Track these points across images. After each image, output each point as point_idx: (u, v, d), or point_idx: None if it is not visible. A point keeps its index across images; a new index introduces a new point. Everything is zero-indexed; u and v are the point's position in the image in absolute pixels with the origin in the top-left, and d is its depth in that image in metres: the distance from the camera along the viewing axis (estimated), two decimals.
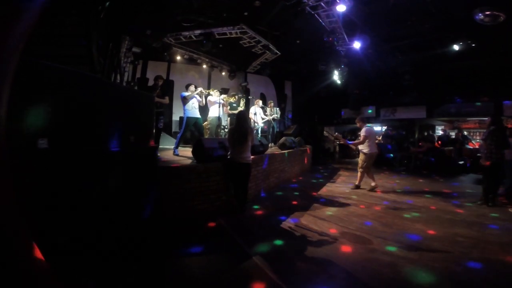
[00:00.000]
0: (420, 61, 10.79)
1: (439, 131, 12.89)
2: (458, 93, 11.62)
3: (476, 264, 2.55)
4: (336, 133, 6.24)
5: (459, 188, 6.33)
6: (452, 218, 4.00)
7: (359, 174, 5.98)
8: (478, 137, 11.51)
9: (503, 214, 4.14)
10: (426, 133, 12.43)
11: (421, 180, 7.37)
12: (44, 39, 3.27)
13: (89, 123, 2.42)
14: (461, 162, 8.92)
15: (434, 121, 13.08)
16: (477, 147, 9.46)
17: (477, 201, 4.80)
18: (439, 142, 10.18)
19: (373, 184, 5.82)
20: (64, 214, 2.16)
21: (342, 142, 6.32)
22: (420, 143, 10.29)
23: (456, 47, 9.07)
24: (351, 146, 6.36)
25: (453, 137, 10.26)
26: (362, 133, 5.76)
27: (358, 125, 6.10)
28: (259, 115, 8.52)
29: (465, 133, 11.27)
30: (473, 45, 8.97)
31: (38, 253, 1.45)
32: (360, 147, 5.87)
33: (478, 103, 11.20)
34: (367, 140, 5.69)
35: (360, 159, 5.91)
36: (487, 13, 6.30)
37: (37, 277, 1.41)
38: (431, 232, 3.41)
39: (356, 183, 6.03)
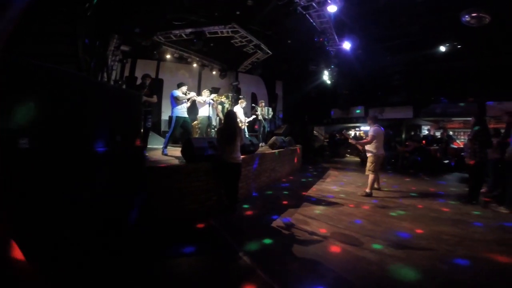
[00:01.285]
0: (408, 62, 11.05)
1: (425, 131, 13.23)
2: (443, 93, 11.95)
3: (462, 261, 2.63)
4: (343, 131, 6.09)
5: (444, 187, 6.50)
6: (438, 216, 4.11)
7: (369, 179, 5.41)
8: (462, 137, 11.86)
9: (486, 212, 4.28)
10: (412, 133, 12.71)
11: (407, 179, 7.53)
12: (28, 37, 3.16)
13: (73, 122, 2.35)
14: (446, 161, 9.17)
15: (420, 121, 13.40)
16: (461, 146, 9.74)
17: (462, 199, 4.94)
18: (424, 141, 10.42)
19: (375, 186, 5.60)
20: (48, 216, 2.09)
21: (350, 141, 6.21)
22: (407, 143, 10.51)
23: (442, 48, 9.33)
24: (359, 146, 6.15)
25: (439, 136, 10.53)
26: (370, 132, 5.48)
27: (368, 123, 5.79)
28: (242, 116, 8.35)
29: (450, 133, 11.59)
30: (459, 46, 9.24)
31: (18, 254, 1.40)
32: (367, 147, 5.52)
33: (463, 104, 11.54)
34: (375, 141, 5.37)
35: (368, 161, 5.48)
36: (474, 15, 6.49)
37: (17, 277, 1.36)
38: (417, 230, 3.49)
39: (367, 190, 5.38)
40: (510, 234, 3.33)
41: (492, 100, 10.66)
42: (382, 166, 5.75)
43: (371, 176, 5.40)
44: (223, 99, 7.96)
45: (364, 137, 8.75)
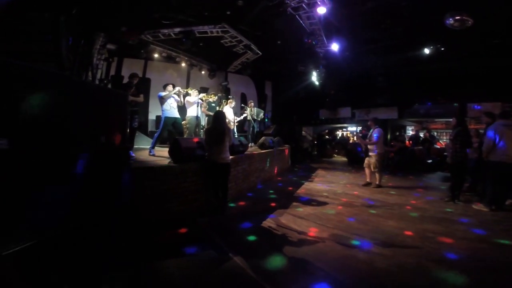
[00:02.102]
0: (393, 64, 11.31)
1: (410, 131, 13.58)
2: (427, 95, 12.30)
3: (446, 259, 2.71)
4: (354, 133, 7.10)
5: (427, 186, 6.69)
6: (422, 214, 4.22)
7: (377, 175, 6.18)
8: (445, 137, 12.25)
9: (468, 210, 4.44)
10: (397, 133, 13.03)
11: (393, 178, 7.70)
12: (8, 35, 3.03)
13: (56, 123, 2.27)
14: (429, 161, 9.45)
15: (405, 122, 13.74)
16: (444, 146, 10.06)
17: (445, 198, 5.10)
18: (409, 142, 10.71)
19: (368, 180, 6.39)
20: (29, 218, 2.02)
21: (358, 141, 7.36)
22: (392, 143, 10.76)
23: (426, 51, 9.60)
24: (362, 145, 6.82)
25: (422, 137, 10.84)
26: (375, 133, 6.01)
27: (369, 124, 6.52)
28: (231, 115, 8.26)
29: (435, 133, 11.95)
30: (442, 49, 9.54)
31: None
32: (371, 147, 6.10)
33: (445, 105, 11.93)
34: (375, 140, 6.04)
35: (376, 160, 6.01)
36: (457, 17, 6.69)
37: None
38: (403, 228, 3.58)
39: (377, 182, 6.21)
40: (490, 232, 3.46)
41: (473, 102, 11.08)
42: (350, 163, 7.57)
43: (378, 173, 6.15)
44: (211, 98, 7.87)
45: (351, 138, 9.30)
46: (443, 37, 8.79)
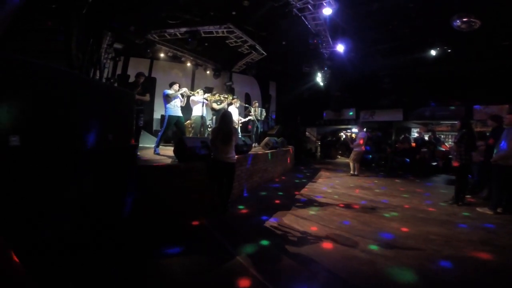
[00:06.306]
0: (399, 66, 11.26)
1: (415, 133, 13.48)
2: (432, 97, 12.21)
3: (448, 261, 2.70)
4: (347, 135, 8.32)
5: (431, 188, 6.67)
6: (425, 216, 4.21)
7: (352, 165, 8.42)
8: (450, 140, 12.15)
9: (472, 213, 4.42)
10: (402, 135, 12.94)
11: (397, 180, 7.69)
12: (19, 34, 3.10)
13: (65, 120, 2.33)
14: (434, 163, 9.39)
15: (410, 124, 13.65)
16: (448, 149, 9.97)
17: (448, 200, 5.08)
18: (414, 144, 10.64)
19: (352, 171, 8.40)
20: (38, 215, 2.07)
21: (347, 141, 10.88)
22: (396, 145, 10.70)
23: (433, 52, 9.54)
24: (350, 144, 8.86)
25: (427, 139, 10.76)
26: (359, 136, 8.30)
27: (357, 130, 8.99)
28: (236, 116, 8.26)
29: (442, 136, 11.85)
30: (449, 50, 9.48)
31: (11, 255, 1.38)
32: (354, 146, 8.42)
33: (451, 107, 11.83)
34: (361, 142, 8.18)
35: (353, 154, 8.32)
36: (465, 19, 6.63)
37: (12, 280, 1.34)
38: (406, 230, 3.58)
39: (356, 172, 8.31)
40: (494, 235, 3.45)
41: (479, 104, 10.98)
42: (369, 166, 10.07)
43: (352, 164, 8.37)
44: (216, 98, 7.90)
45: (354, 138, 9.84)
46: (449, 39, 8.74)
